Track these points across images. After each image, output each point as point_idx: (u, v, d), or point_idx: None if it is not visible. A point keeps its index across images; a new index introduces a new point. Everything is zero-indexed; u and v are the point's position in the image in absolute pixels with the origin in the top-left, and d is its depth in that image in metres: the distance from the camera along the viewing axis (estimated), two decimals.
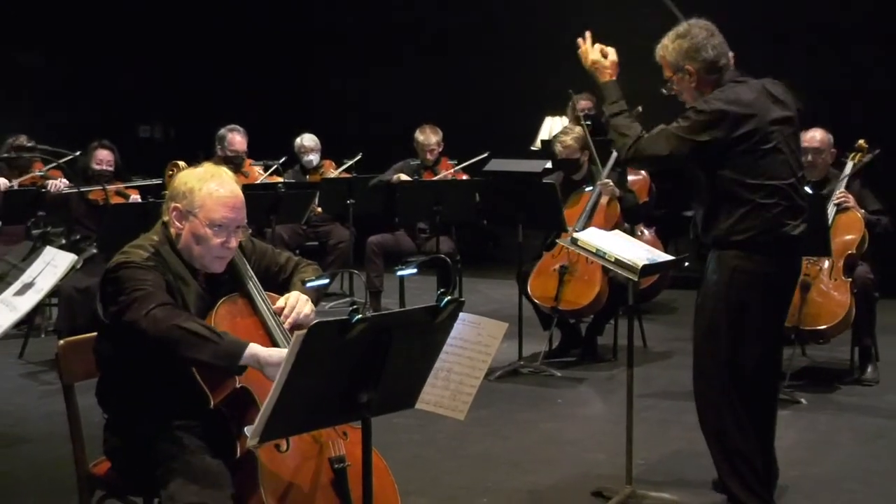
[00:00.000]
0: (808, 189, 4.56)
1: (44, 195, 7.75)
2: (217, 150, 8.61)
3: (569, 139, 7.25)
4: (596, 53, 4.36)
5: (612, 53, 4.38)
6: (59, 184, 7.61)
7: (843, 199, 6.38)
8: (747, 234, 4.04)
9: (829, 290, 6.22)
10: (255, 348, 3.04)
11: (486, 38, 11.57)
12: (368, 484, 2.82)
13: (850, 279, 6.28)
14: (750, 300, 4.09)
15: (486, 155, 8.62)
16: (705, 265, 4.23)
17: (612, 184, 6.96)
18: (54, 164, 7.95)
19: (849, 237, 6.31)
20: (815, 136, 6.58)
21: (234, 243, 3.32)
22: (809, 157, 6.53)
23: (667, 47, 4.24)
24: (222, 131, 8.67)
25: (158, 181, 7.49)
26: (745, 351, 4.12)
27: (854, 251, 6.31)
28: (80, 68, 12.40)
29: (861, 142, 6.63)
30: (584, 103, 9.22)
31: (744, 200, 4.04)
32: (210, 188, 3.29)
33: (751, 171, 4.04)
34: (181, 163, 3.52)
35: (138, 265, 3.19)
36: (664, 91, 4.33)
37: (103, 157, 7.72)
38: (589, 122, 7.59)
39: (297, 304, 3.35)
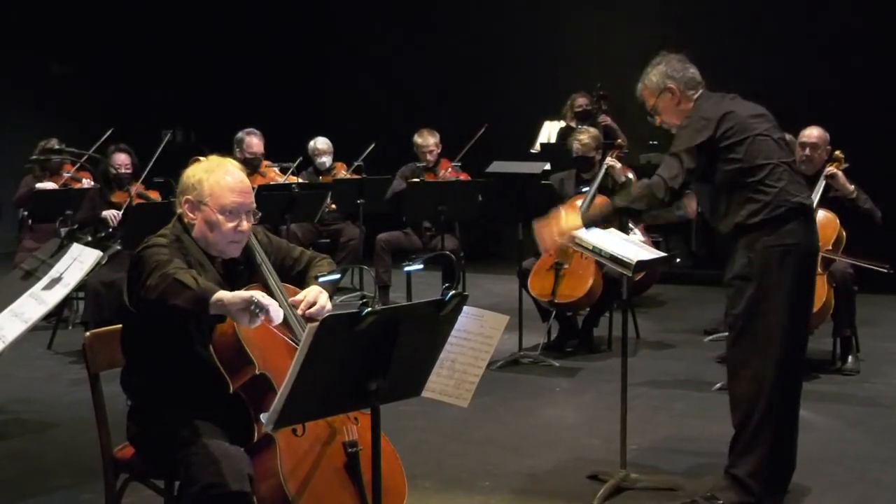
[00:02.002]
0: None
1: (73, 195, 7.79)
2: (236, 152, 8.57)
3: (586, 138, 7.32)
4: (560, 235, 4.26)
5: (560, 221, 4.26)
6: (116, 214, 7.54)
7: (832, 170, 6.41)
8: (763, 214, 4.06)
9: None
10: (223, 294, 2.97)
11: (488, 46, 11.56)
12: (378, 467, 2.82)
13: (826, 272, 6.27)
14: (783, 274, 4.07)
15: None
16: (731, 255, 4.19)
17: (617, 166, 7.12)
18: (79, 165, 7.97)
19: (825, 233, 6.29)
20: (812, 133, 6.59)
21: (245, 226, 3.33)
22: (807, 152, 6.55)
23: (648, 75, 4.35)
24: (240, 134, 8.64)
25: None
26: (785, 326, 4.08)
27: (830, 247, 6.30)
28: (107, 77, 12.43)
29: (838, 153, 6.60)
30: (581, 100, 9.23)
31: (750, 183, 4.08)
32: (217, 177, 3.31)
33: (747, 156, 4.09)
34: (202, 158, 3.52)
35: (160, 245, 3.21)
36: (649, 119, 4.42)
37: (122, 161, 7.69)
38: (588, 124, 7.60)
39: (315, 298, 3.34)
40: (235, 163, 3.44)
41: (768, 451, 4.11)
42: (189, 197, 3.33)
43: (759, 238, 4.08)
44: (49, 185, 8.23)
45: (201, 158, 3.47)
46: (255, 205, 3.38)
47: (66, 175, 8.29)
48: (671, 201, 4.20)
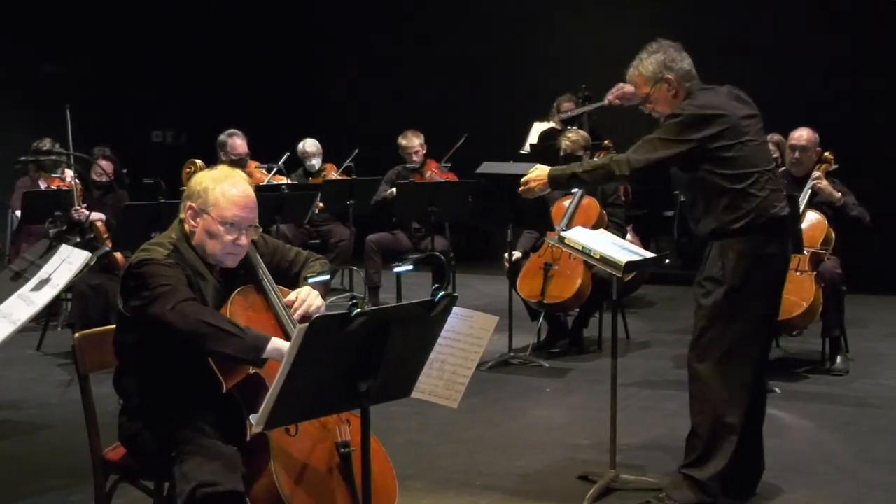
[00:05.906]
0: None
1: (62, 196, 7.76)
2: (220, 156, 8.24)
3: (574, 136, 7.31)
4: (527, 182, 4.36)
5: (531, 172, 4.37)
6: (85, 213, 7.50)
7: (817, 177, 6.42)
8: (744, 220, 4.05)
9: (793, 284, 6.16)
10: (277, 342, 3.06)
11: (478, 49, 11.55)
12: (367, 468, 2.82)
13: (814, 272, 6.28)
14: (755, 283, 4.08)
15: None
16: (704, 256, 4.19)
17: None
18: (64, 161, 8.00)
19: (813, 234, 6.31)
20: (802, 135, 6.59)
21: (244, 241, 3.33)
22: (797, 154, 6.56)
23: (642, 62, 4.26)
24: (222, 137, 8.25)
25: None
26: (749, 333, 4.11)
27: (818, 248, 6.31)
28: (98, 78, 12.40)
29: (827, 153, 6.61)
30: (567, 105, 9.23)
31: (733, 190, 4.07)
32: (223, 188, 3.31)
33: (734, 163, 4.07)
34: (199, 161, 3.51)
35: (160, 262, 3.21)
36: (642, 108, 4.37)
37: (104, 168, 7.72)
38: (575, 126, 7.58)
39: (307, 297, 3.37)
40: (244, 175, 3.44)
41: (729, 454, 4.11)
42: (193, 204, 3.33)
43: (736, 244, 4.07)
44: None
45: (197, 162, 3.47)
46: (257, 220, 3.38)
47: (55, 176, 8.28)
48: (626, 181, 4.16)
